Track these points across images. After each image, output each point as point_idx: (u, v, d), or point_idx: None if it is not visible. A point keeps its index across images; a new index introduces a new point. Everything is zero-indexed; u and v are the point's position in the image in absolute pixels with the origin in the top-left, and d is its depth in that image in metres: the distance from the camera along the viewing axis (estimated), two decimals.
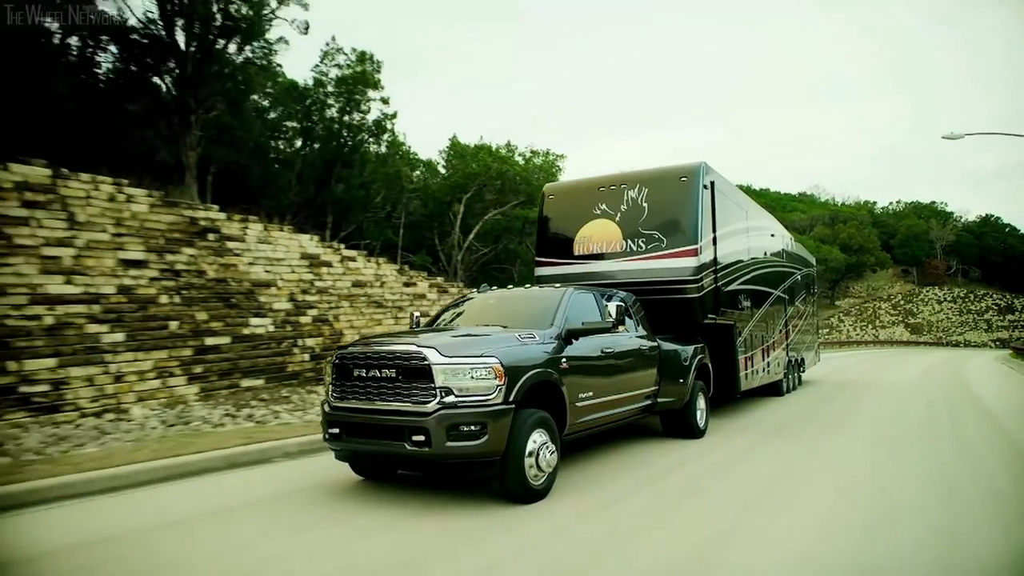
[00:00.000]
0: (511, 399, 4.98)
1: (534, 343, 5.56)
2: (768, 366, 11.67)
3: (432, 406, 4.81)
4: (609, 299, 7.49)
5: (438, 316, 7.13)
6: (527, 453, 5.08)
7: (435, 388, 4.83)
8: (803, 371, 15.49)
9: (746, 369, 10.19)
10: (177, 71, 23.01)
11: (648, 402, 7.63)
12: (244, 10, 23.16)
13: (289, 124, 32.38)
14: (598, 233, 9.23)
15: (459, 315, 6.93)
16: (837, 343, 47.56)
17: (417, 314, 7.42)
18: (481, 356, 4.94)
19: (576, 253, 9.33)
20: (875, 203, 73.91)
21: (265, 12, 24.21)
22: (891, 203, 71.68)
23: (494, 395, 4.89)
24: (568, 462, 6.64)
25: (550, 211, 9.81)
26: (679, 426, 8.32)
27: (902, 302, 57.09)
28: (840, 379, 18.28)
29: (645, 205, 9.00)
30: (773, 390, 12.72)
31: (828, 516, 4.85)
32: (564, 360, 5.73)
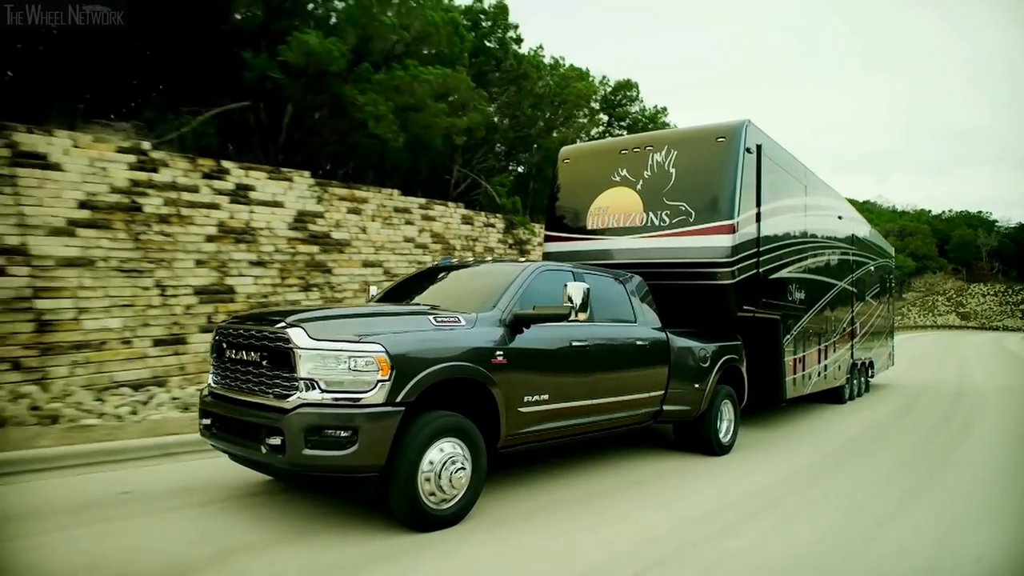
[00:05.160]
0: (399, 399, 3.83)
1: (457, 328, 4.36)
2: (826, 369, 9.76)
3: (292, 402, 3.75)
4: (622, 283, 6.20)
5: (391, 290, 6.06)
6: (423, 469, 3.93)
7: (298, 379, 3.76)
8: (872, 375, 13.26)
9: (795, 372, 8.43)
10: None
11: (652, 409, 6.23)
12: None
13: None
14: (615, 204, 7.79)
15: (405, 290, 5.80)
16: (907, 327, 60.28)
17: (374, 289, 6.39)
18: (360, 342, 3.81)
19: (589, 227, 7.94)
20: (930, 211, 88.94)
21: None
22: (944, 211, 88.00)
23: (373, 392, 3.76)
24: (524, 477, 5.43)
25: (565, 177, 8.44)
26: (694, 439, 6.85)
27: (954, 296, 70.46)
28: (911, 380, 15.72)
29: (672, 171, 7.46)
30: (832, 396, 10.76)
31: None
32: (499, 353, 4.48)
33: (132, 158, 9.45)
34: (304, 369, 3.75)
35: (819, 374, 9.46)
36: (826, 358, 9.76)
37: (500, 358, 4.47)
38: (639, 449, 6.95)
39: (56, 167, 8.58)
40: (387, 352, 3.81)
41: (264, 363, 3.97)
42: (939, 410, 10.68)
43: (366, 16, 14.19)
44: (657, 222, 7.43)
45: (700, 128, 7.61)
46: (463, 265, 6.05)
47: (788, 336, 8.27)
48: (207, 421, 4.37)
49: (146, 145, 9.90)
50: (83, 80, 12.91)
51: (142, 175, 9.49)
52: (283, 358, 3.84)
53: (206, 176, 10.26)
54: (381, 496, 3.93)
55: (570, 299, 4.76)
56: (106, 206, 8.99)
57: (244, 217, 10.69)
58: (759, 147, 7.48)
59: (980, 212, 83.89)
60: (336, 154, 16.07)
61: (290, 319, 3.94)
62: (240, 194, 10.72)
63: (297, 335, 3.80)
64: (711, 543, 4.09)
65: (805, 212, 8.86)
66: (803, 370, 8.75)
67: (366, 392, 3.75)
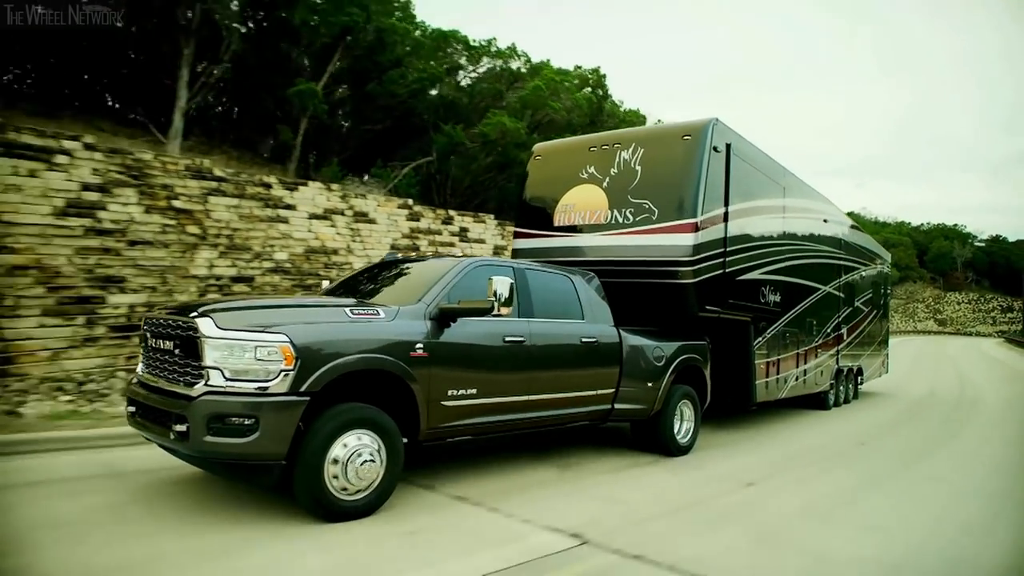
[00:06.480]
0: (303, 388, 3.89)
1: (374, 321, 4.41)
2: (805, 374, 9.58)
3: (197, 389, 3.84)
4: (572, 280, 6.18)
5: (339, 284, 6.13)
6: (330, 460, 3.99)
7: (204, 368, 3.85)
8: (860, 382, 12.98)
9: (767, 376, 8.31)
10: None
11: (602, 407, 6.21)
12: None
13: None
14: (581, 201, 7.77)
15: (351, 285, 5.86)
16: (890, 332, 65.81)
17: (326, 283, 6.47)
18: (264, 332, 3.88)
19: (556, 224, 7.93)
20: (910, 223, 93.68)
21: None
22: (922, 223, 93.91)
23: (275, 382, 3.83)
24: (450, 470, 5.46)
25: (535, 174, 8.43)
26: (650, 439, 6.81)
27: (932, 303, 77.18)
28: (904, 387, 15.43)
29: (638, 169, 7.42)
30: (815, 402, 10.58)
31: None
32: (420, 346, 4.52)
33: (406, 211, 13.36)
34: (210, 358, 3.84)
35: (797, 379, 9.30)
36: (806, 363, 9.58)
37: (420, 351, 4.51)
38: (598, 447, 6.93)
39: (373, 221, 12.63)
40: (292, 342, 3.87)
41: (177, 351, 4.07)
42: (928, 426, 10.02)
43: (540, 102, 20.24)
44: (621, 220, 7.39)
45: (667, 126, 7.59)
46: (407, 261, 6.10)
47: (760, 339, 8.15)
48: (132, 409, 4.48)
49: (410, 201, 13.86)
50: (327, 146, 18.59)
51: (413, 223, 13.41)
52: (192, 346, 3.93)
53: (443, 222, 14.13)
54: (287, 485, 4.00)
55: (495, 293, 4.77)
56: (402, 248, 12.93)
57: (468, 252, 14.02)
58: (728, 146, 7.40)
59: (956, 225, 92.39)
60: (472, 192, 20.78)
61: (201, 308, 4.02)
62: (462, 235, 14.32)
63: (204, 324, 3.88)
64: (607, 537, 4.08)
65: (783, 214, 8.72)
66: (777, 374, 8.62)
67: (269, 381, 3.82)
